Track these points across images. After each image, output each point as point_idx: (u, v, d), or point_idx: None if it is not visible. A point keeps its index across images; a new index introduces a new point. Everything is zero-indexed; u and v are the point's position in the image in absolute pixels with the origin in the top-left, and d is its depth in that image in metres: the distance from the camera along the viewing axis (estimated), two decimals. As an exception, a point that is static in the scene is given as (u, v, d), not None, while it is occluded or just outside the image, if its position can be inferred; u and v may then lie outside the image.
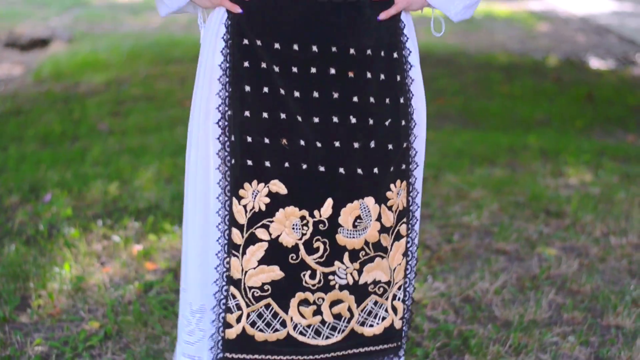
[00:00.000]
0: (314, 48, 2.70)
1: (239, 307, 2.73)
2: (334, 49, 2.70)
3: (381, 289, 2.81)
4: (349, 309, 2.79)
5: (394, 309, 2.84)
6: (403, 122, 2.77)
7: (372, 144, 2.73)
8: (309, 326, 2.77)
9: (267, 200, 2.71)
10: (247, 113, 2.69)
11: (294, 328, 2.76)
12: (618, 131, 7.55)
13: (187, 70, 9.31)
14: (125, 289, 4.04)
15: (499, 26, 13.87)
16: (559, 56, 11.15)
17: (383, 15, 2.75)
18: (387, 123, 2.75)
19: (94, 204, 5.11)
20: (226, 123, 2.70)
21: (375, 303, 2.81)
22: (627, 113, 8.09)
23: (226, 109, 2.71)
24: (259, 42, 2.70)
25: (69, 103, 7.87)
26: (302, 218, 2.71)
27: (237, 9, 2.72)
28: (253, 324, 2.74)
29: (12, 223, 4.83)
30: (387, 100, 2.75)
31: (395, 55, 2.77)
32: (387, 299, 2.82)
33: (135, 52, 10.65)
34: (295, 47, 2.69)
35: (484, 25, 13.85)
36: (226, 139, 2.70)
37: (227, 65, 2.71)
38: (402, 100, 2.77)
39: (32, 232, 4.68)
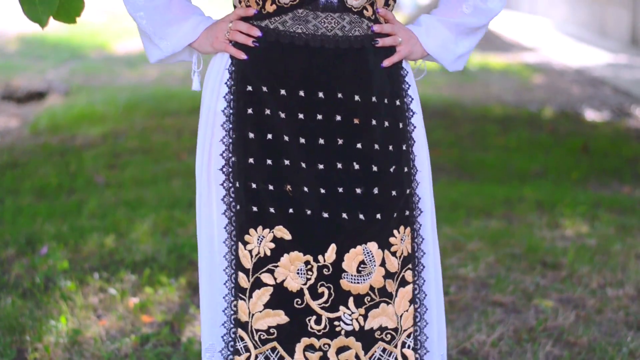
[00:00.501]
0: (320, 94, 2.72)
1: (247, 349, 2.74)
2: (340, 95, 2.72)
3: (388, 336, 2.79)
4: (357, 356, 2.78)
5: (404, 357, 2.82)
6: (406, 169, 2.78)
7: (376, 190, 2.74)
8: None
9: (272, 245, 2.72)
10: (251, 160, 2.71)
11: None
12: (614, 182, 7.56)
13: (184, 122, 9.33)
14: (121, 342, 4.03)
15: (494, 78, 13.94)
16: (554, 108, 11.20)
17: (387, 62, 2.78)
18: (391, 170, 2.76)
19: (91, 257, 5.11)
20: (230, 169, 2.72)
21: (384, 350, 2.80)
22: (622, 164, 8.11)
23: (230, 155, 2.73)
24: (264, 88, 2.72)
25: (66, 156, 7.88)
26: (307, 263, 2.72)
27: (242, 55, 2.74)
28: None
29: (8, 276, 4.82)
30: (391, 147, 2.76)
31: (397, 102, 2.79)
32: (396, 346, 2.80)
33: (132, 105, 10.69)
34: (302, 93, 2.71)
35: (479, 77, 13.92)
36: (230, 185, 2.73)
37: (231, 111, 2.73)
38: (404, 147, 2.79)
39: (28, 285, 4.67)
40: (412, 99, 2.83)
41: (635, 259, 5.29)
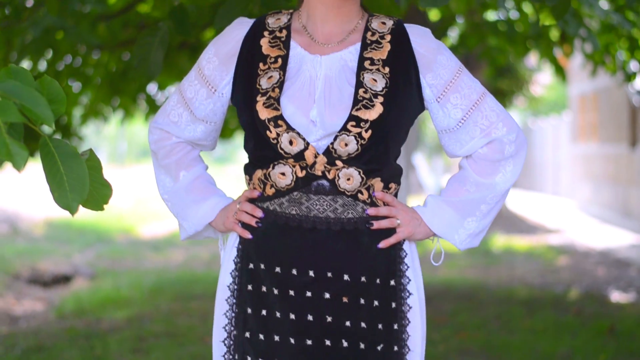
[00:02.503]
0: (311, 273, 2.79)
1: None
2: (329, 274, 2.79)
3: None
4: None
5: None
6: (395, 348, 2.82)
7: None
8: None
9: None
10: (247, 334, 2.83)
11: None
12: (642, 365, 7.47)
13: (209, 306, 9.34)
14: None
15: (518, 260, 13.94)
16: (579, 290, 11.16)
17: (382, 244, 2.83)
18: (378, 348, 2.80)
19: None
20: (231, 342, 2.85)
21: None
22: (650, 347, 8.02)
23: (232, 328, 2.86)
24: (262, 266, 2.82)
25: (91, 340, 7.87)
26: None
27: (247, 235, 2.86)
28: None
29: None
30: (380, 326, 2.81)
31: (392, 282, 2.83)
32: None
33: (157, 289, 10.73)
34: (294, 271, 2.79)
35: (504, 260, 13.92)
36: (231, 357, 2.85)
37: (235, 287, 2.87)
38: (395, 327, 2.82)
39: None
40: (410, 280, 2.86)
41: None
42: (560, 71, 9.21)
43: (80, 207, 2.37)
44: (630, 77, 8.85)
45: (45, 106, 2.17)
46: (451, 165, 33.81)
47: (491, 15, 10.05)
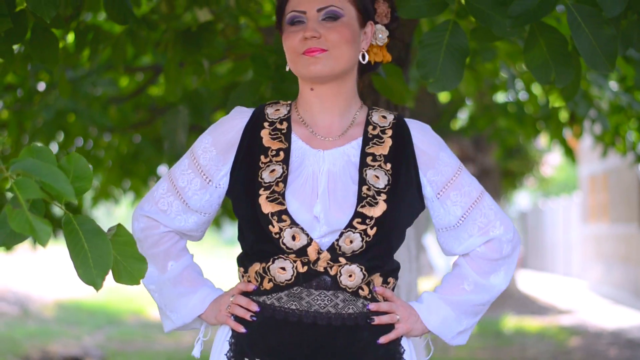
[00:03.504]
0: None
1: None
2: None
3: None
4: None
5: None
6: None
7: None
8: None
9: None
10: None
11: None
12: None
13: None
14: None
15: (530, 341, 13.84)
16: (592, 372, 11.06)
17: (383, 340, 2.80)
18: None
19: None
20: None
21: None
22: None
23: None
24: None
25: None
26: None
27: (241, 329, 2.80)
28: None
29: None
30: None
31: None
32: None
33: (167, 371, 10.66)
34: None
35: (515, 341, 13.83)
36: None
37: None
38: None
39: None
40: None
41: None
42: (570, 153, 9.24)
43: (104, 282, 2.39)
44: (640, 157, 8.88)
45: (65, 182, 2.19)
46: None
47: (501, 97, 10.11)
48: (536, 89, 8.37)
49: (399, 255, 4.65)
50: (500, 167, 20.22)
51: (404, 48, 4.46)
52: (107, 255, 2.25)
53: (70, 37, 5.98)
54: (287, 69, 2.88)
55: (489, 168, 19.18)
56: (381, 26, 2.92)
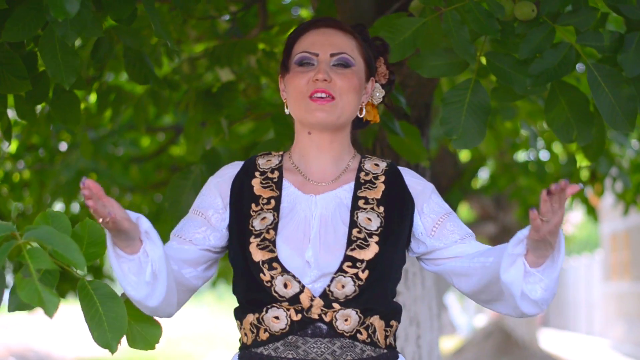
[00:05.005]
0: None
1: None
2: None
3: None
4: None
5: None
6: None
7: None
8: None
9: None
10: None
11: None
12: None
13: None
14: None
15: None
16: None
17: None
18: None
19: None
20: None
21: None
22: None
23: None
24: None
25: None
26: None
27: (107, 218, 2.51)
28: None
29: None
30: None
31: None
32: None
33: None
34: None
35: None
36: None
37: None
38: None
39: None
40: None
41: None
42: (591, 211, 9.21)
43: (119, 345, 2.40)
44: (661, 215, 8.84)
45: (77, 252, 2.19)
46: (483, 304, 33.50)
47: (521, 156, 10.11)
48: (557, 147, 8.37)
49: (420, 314, 4.63)
50: (521, 226, 20.12)
51: (424, 107, 4.48)
52: (122, 319, 2.26)
53: (93, 98, 6.03)
54: (287, 112, 2.88)
55: (510, 227, 19.09)
56: (379, 85, 2.94)
